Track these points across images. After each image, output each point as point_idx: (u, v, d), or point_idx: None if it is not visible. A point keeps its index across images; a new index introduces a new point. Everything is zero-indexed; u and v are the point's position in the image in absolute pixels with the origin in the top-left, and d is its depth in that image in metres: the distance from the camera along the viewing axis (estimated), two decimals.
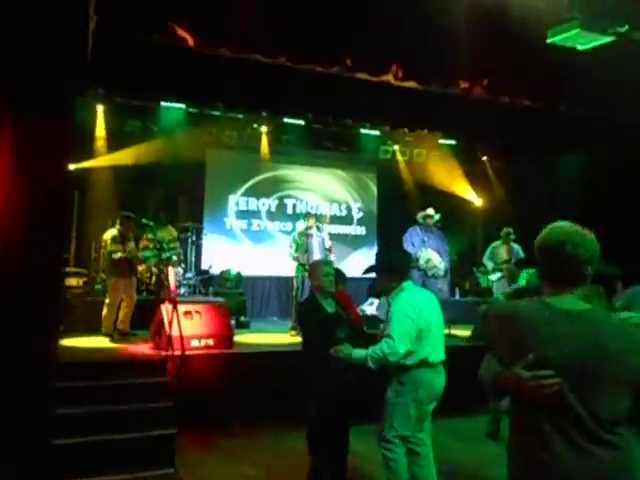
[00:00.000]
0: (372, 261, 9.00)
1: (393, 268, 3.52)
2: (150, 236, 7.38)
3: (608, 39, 4.16)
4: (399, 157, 10.34)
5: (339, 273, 5.47)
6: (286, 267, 8.45)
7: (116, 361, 5.11)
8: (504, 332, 1.79)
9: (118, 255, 6.39)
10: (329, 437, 3.55)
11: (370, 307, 8.72)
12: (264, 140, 9.27)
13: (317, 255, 7.46)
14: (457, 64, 5.44)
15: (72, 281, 7.33)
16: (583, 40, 4.18)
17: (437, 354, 3.40)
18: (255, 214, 9.94)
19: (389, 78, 5.77)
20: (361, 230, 10.64)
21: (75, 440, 4.05)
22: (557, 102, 6.46)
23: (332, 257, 7.53)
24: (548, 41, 4.34)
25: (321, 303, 3.67)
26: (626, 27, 4.08)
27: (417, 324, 3.28)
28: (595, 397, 1.61)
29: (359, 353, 3.30)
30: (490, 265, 8.48)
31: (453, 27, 4.89)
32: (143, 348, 5.79)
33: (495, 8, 4.75)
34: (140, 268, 7.27)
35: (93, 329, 6.51)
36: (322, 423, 3.50)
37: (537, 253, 1.83)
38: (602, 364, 1.62)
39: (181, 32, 4.89)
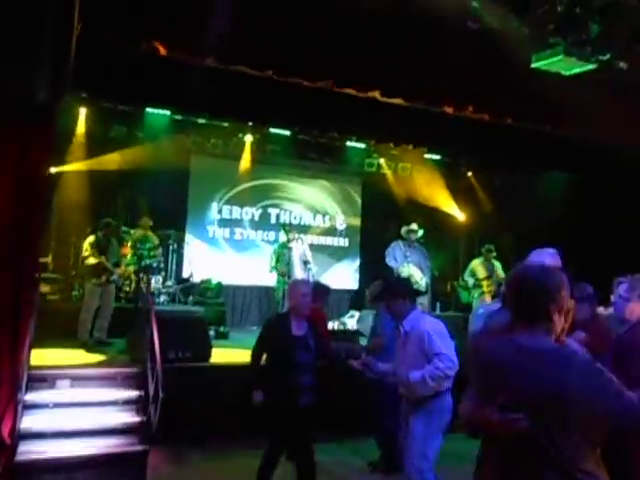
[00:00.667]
0: (354, 274, 9.03)
1: (406, 294, 3.60)
2: (130, 243, 7.29)
3: (591, 66, 4.22)
4: (384, 170, 10.38)
5: (321, 287, 5.45)
6: (268, 277, 8.41)
7: (90, 372, 5.00)
8: (476, 365, 1.86)
9: (93, 261, 6.31)
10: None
11: (351, 320, 8.72)
12: (247, 150, 9.24)
13: (298, 267, 7.46)
14: (443, 83, 5.48)
15: (48, 287, 7.20)
16: (566, 66, 4.23)
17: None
18: (238, 223, 9.88)
19: (375, 94, 5.81)
20: (344, 242, 10.64)
21: (42, 455, 3.95)
22: (540, 122, 6.54)
23: (312, 269, 7.52)
24: (532, 66, 4.39)
25: (291, 324, 3.64)
26: (608, 55, 4.15)
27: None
28: (562, 436, 1.63)
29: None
30: (471, 281, 8.54)
31: (439, 48, 4.93)
32: (119, 358, 5.69)
33: (481, 31, 4.80)
34: (119, 271, 7.14)
35: (69, 337, 6.39)
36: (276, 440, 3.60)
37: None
38: (566, 404, 1.63)
39: (167, 42, 4.86)
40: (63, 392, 4.57)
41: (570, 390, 1.63)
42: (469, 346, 2.01)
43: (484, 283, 8.48)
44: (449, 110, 6.00)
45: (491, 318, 2.90)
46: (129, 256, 7.19)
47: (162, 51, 4.97)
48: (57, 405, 4.41)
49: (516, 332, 1.79)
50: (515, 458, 1.67)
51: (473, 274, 8.60)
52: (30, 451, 3.96)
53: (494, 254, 8.61)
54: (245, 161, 9.38)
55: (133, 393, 4.79)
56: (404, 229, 8.06)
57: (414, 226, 8.07)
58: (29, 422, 4.13)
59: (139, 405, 4.68)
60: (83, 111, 8.03)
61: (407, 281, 4.02)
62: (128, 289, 7.65)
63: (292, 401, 3.52)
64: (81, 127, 8.12)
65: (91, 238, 6.50)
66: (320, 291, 5.23)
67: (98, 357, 5.76)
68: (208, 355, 5.72)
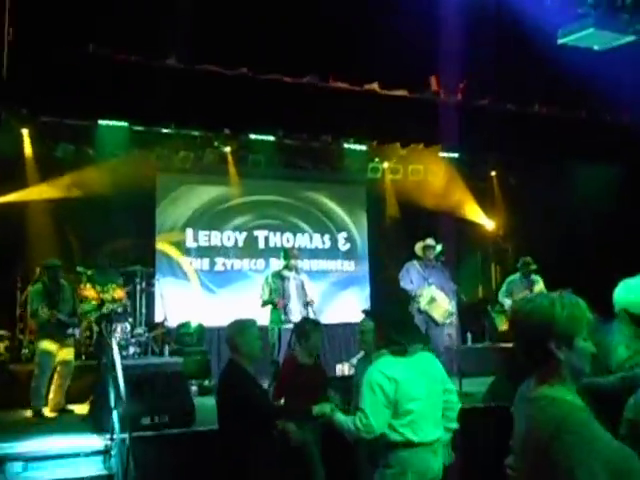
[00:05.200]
0: (365, 303, 8.87)
1: (395, 322, 3.56)
2: (88, 286, 7.30)
3: (628, 38, 4.27)
4: (391, 175, 10.44)
5: (310, 324, 5.41)
6: (259, 314, 8.38)
7: (45, 449, 4.96)
8: None
9: (43, 315, 6.32)
10: None
11: None
12: (230, 162, 9.36)
13: (295, 302, 7.42)
14: (453, 69, 5.55)
15: None
16: (599, 40, 4.28)
17: (431, 431, 3.40)
18: (219, 251, 9.90)
19: (373, 87, 5.89)
20: (349, 265, 10.66)
21: None
22: (574, 108, 6.62)
23: (312, 304, 7.51)
24: (560, 42, 4.45)
25: (253, 374, 3.70)
26: None
27: (395, 396, 3.32)
28: None
29: (340, 418, 3.44)
30: (508, 303, 8.52)
31: (448, 29, 5.01)
32: (81, 430, 5.66)
33: (499, 9, 4.88)
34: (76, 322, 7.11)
35: (20, 405, 6.38)
36: None
37: None
38: (531, 452, 1.76)
39: (118, 43, 4.95)
40: (14, 477, 4.53)
41: (536, 438, 1.74)
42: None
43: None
44: (463, 100, 6.06)
45: None
46: (87, 302, 7.19)
47: (113, 54, 5.06)
48: None
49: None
50: None
51: (510, 294, 8.58)
52: None
53: (534, 267, 8.59)
54: (231, 176, 9.51)
55: (99, 472, 4.75)
56: (419, 245, 8.05)
57: (430, 241, 8.05)
58: None
59: None
60: (24, 131, 8.14)
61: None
62: (89, 342, 7.64)
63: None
64: (24, 149, 8.20)
65: (37, 286, 6.52)
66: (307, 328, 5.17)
67: (56, 429, 5.71)
68: (191, 418, 5.68)
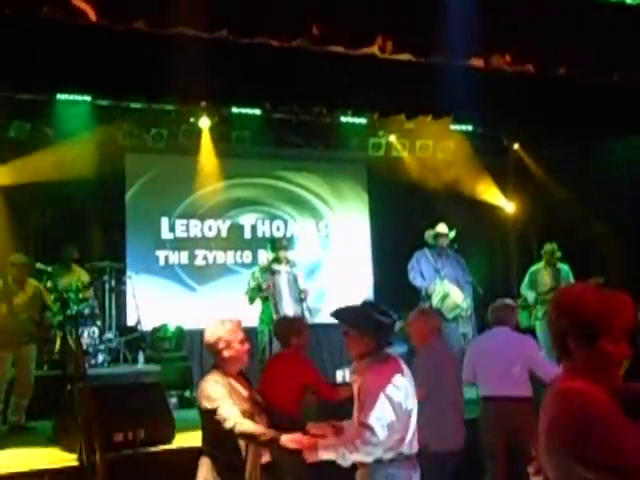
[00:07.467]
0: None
1: (379, 326, 3.45)
2: (49, 285, 7.31)
3: None
4: (396, 152, 10.47)
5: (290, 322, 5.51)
6: (247, 315, 8.41)
7: (6, 473, 4.98)
8: None
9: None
10: None
11: None
12: (205, 139, 9.32)
13: (287, 299, 7.46)
14: (464, 27, 5.54)
15: None
16: None
17: (413, 445, 3.47)
18: (199, 242, 9.95)
19: (373, 50, 5.87)
20: (348, 256, 10.69)
21: None
22: (604, 70, 6.61)
23: (306, 300, 7.55)
24: None
25: (235, 385, 3.64)
26: None
27: (400, 408, 3.33)
28: None
29: (327, 443, 3.37)
30: (531, 296, 8.59)
31: None
32: (46, 449, 5.68)
33: None
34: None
35: None
36: None
37: None
38: (556, 443, 1.91)
39: (81, 3, 4.92)
40: None
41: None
42: None
43: (550, 297, 8.52)
44: (477, 63, 6.05)
45: None
46: (49, 303, 7.20)
47: (71, 17, 5.03)
48: None
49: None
50: None
51: (534, 286, 8.64)
52: None
53: (559, 255, 8.65)
54: (205, 156, 9.48)
55: None
56: (429, 233, 8.10)
57: (442, 228, 8.09)
58: None
59: None
60: None
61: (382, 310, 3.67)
62: (52, 350, 7.64)
63: None
64: None
65: None
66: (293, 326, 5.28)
67: (16, 450, 5.74)
68: (171, 434, 5.72)
